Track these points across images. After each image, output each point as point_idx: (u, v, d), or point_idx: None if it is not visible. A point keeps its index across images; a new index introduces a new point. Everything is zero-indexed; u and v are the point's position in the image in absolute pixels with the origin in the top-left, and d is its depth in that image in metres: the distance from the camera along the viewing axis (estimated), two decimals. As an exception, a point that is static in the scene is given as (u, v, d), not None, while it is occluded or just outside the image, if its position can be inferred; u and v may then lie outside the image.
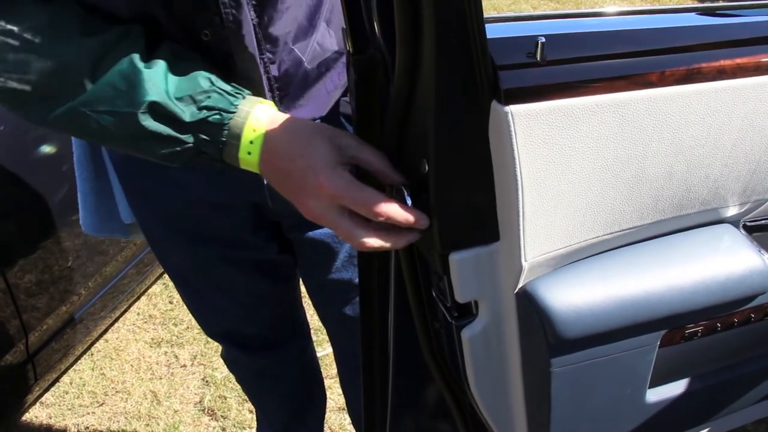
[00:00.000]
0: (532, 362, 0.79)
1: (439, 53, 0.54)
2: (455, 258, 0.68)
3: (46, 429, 1.96)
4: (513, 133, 0.59)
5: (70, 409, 2.01)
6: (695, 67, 0.63)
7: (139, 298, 2.21)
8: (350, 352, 1.32)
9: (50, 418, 1.99)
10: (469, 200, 0.65)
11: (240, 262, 1.15)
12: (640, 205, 0.72)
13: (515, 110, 0.58)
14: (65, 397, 2.04)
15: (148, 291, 2.32)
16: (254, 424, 1.88)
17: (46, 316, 1.62)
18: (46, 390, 1.86)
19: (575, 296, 0.73)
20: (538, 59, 0.58)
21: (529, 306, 0.73)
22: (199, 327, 2.18)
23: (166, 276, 2.29)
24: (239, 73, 0.84)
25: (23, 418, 1.96)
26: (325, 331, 1.35)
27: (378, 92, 0.64)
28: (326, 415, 1.66)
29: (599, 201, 0.69)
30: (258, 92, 0.88)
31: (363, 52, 0.62)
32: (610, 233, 0.73)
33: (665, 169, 0.70)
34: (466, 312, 0.77)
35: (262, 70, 0.86)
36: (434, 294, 0.79)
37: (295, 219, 1.08)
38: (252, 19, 0.82)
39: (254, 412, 1.90)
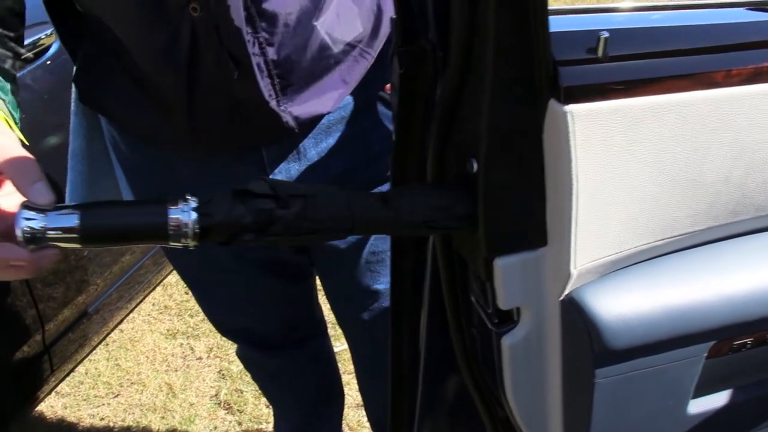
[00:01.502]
0: (574, 372, 0.75)
1: (497, 47, 0.51)
2: (501, 263, 0.65)
3: (61, 419, 1.95)
4: (571, 134, 0.55)
5: (85, 400, 1.99)
6: (764, 66, 0.59)
7: (154, 288, 2.19)
8: (368, 355, 1.29)
9: (65, 408, 1.97)
10: (519, 203, 0.62)
11: (254, 262, 1.12)
12: (694, 211, 0.69)
13: (575, 110, 0.54)
14: (80, 387, 2.03)
15: (164, 281, 2.30)
16: (271, 419, 1.85)
17: (62, 307, 1.60)
18: (62, 380, 1.84)
19: (623, 305, 0.70)
20: (600, 55, 0.54)
21: (574, 314, 0.70)
22: (215, 319, 2.17)
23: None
24: (227, 50, 0.81)
25: (39, 407, 1.95)
26: (337, 321, 1.32)
27: (424, 87, 0.61)
28: (344, 412, 1.64)
29: (653, 206, 0.65)
30: (249, 76, 0.84)
31: (411, 44, 0.59)
32: (662, 239, 0.69)
33: (723, 173, 0.67)
34: (507, 318, 0.74)
35: (254, 50, 0.83)
36: (473, 299, 0.76)
37: None
38: None
39: (270, 407, 1.88)
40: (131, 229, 0.67)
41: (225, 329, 1.32)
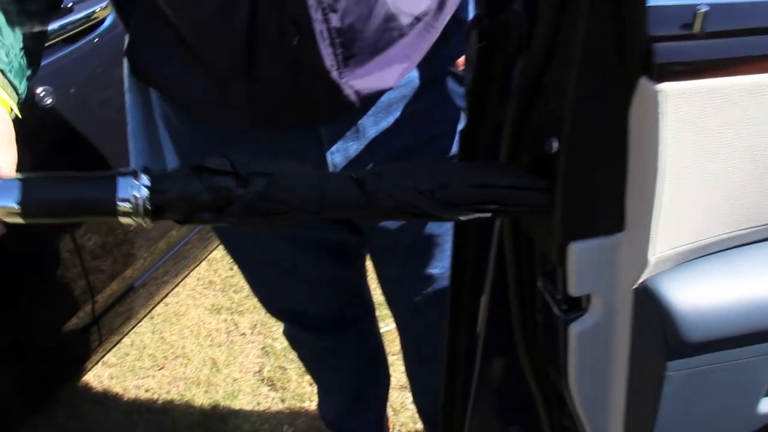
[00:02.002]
0: (643, 363, 0.73)
1: (589, 20, 0.48)
2: (575, 248, 0.62)
3: (107, 388, 1.97)
4: (661, 114, 0.52)
5: (131, 371, 2.01)
6: None
7: (199, 263, 2.20)
8: (417, 339, 1.27)
9: (112, 378, 2.00)
10: (599, 186, 0.59)
11: (306, 242, 1.10)
12: (781, 199, 0.65)
13: (667, 88, 0.51)
14: (126, 358, 2.05)
15: (209, 257, 2.30)
16: (314, 397, 1.85)
17: (110, 280, 1.61)
18: (108, 351, 1.86)
19: (701, 296, 0.66)
20: (697, 31, 0.51)
21: (648, 304, 0.67)
22: (259, 296, 2.17)
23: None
24: (289, 14, 0.79)
25: (86, 377, 1.97)
26: (388, 305, 1.30)
27: (503, 62, 0.58)
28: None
29: (740, 193, 0.62)
30: (311, 43, 0.81)
31: (495, 16, 0.56)
32: (746, 229, 0.66)
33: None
34: (575, 305, 0.71)
35: (317, 15, 0.80)
36: (540, 284, 0.73)
37: None
38: None
39: (313, 385, 1.88)
40: (77, 203, 0.65)
41: (273, 308, 1.31)
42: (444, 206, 0.64)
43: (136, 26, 0.95)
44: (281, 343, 2.02)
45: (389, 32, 0.87)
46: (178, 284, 2.09)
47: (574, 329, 0.71)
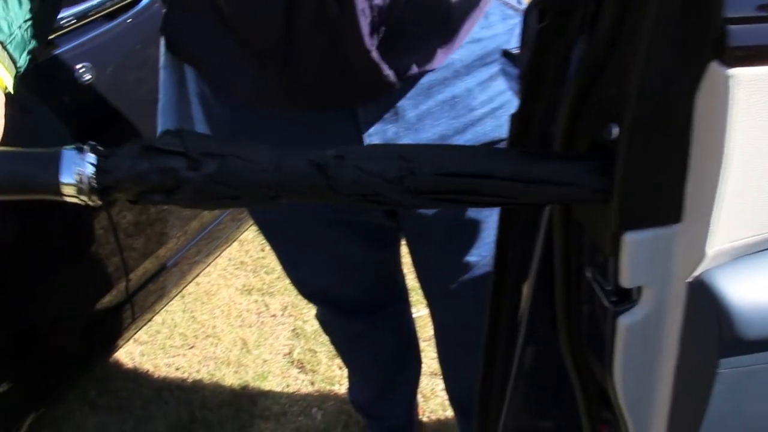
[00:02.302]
0: (693, 359, 0.70)
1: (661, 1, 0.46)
2: (630, 239, 0.60)
3: (138, 365, 1.99)
4: (731, 101, 0.49)
5: (161, 349, 2.02)
6: None
7: (231, 244, 2.20)
8: (451, 327, 1.26)
9: (143, 355, 2.01)
10: (659, 174, 0.56)
11: (341, 225, 1.09)
12: None
13: (740, 74, 0.48)
14: (157, 336, 2.06)
15: (241, 237, 2.31)
16: (343, 381, 1.85)
17: (144, 258, 1.62)
18: (140, 328, 1.87)
19: (760, 292, 0.64)
20: (774, 13, 0.48)
21: (703, 298, 0.64)
22: (291, 278, 2.17)
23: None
24: None
25: (117, 353, 1.99)
26: (420, 291, 1.28)
27: (564, 44, 0.56)
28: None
29: (807, 185, 0.59)
30: (352, 21, 0.78)
31: (559, -6, 0.54)
32: (810, 222, 0.63)
33: None
34: (625, 297, 0.69)
35: None
36: (589, 274, 0.71)
37: None
38: None
39: (343, 369, 1.87)
40: (17, 181, 0.61)
41: (307, 291, 1.30)
42: (414, 195, 0.60)
43: (173, 0, 0.93)
44: (312, 325, 2.02)
45: (433, 13, 0.84)
46: (209, 264, 2.10)
47: (623, 322, 0.69)
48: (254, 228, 2.34)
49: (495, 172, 0.60)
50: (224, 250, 2.16)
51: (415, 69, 0.88)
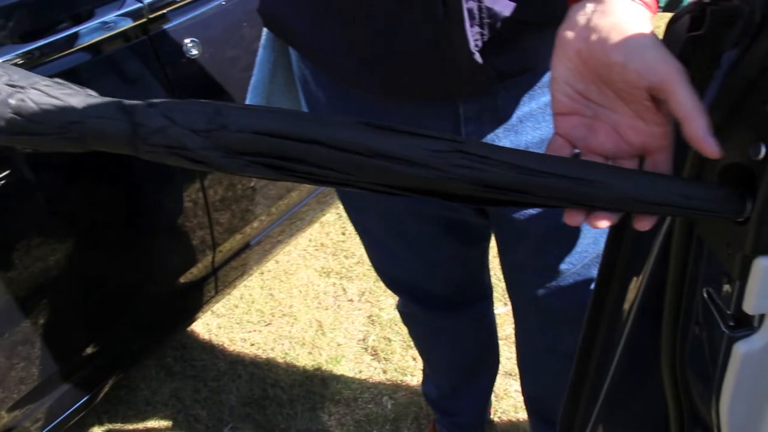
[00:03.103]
0: (813, 394, 0.66)
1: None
2: (763, 263, 0.57)
3: (214, 337, 2.02)
4: None
5: (238, 323, 2.06)
6: None
7: (312, 225, 2.22)
8: (534, 331, 1.23)
9: (220, 328, 2.05)
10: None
11: (434, 219, 1.07)
12: None
13: None
14: (235, 311, 2.10)
15: (322, 219, 2.32)
16: (416, 372, 1.84)
17: (229, 234, 1.64)
18: (218, 301, 1.90)
19: None
20: None
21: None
22: (369, 264, 2.17)
23: (340, 206, 2.29)
24: None
25: (195, 324, 2.03)
26: (499, 288, 1.26)
27: (717, 54, 0.53)
28: (494, 379, 1.60)
29: None
30: (457, 21, 0.76)
31: (722, 2, 0.51)
32: None
33: None
34: (745, 323, 0.66)
35: None
36: (706, 294, 0.68)
37: None
38: None
39: (417, 360, 1.87)
40: None
41: (392, 282, 1.29)
42: (224, 153, 0.55)
43: None
44: (388, 314, 2.02)
45: (539, 14, 0.82)
46: (290, 244, 2.12)
47: (740, 349, 0.65)
48: (336, 211, 2.36)
49: (328, 137, 0.55)
50: (305, 231, 2.18)
51: (518, 69, 0.85)
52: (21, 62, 1.11)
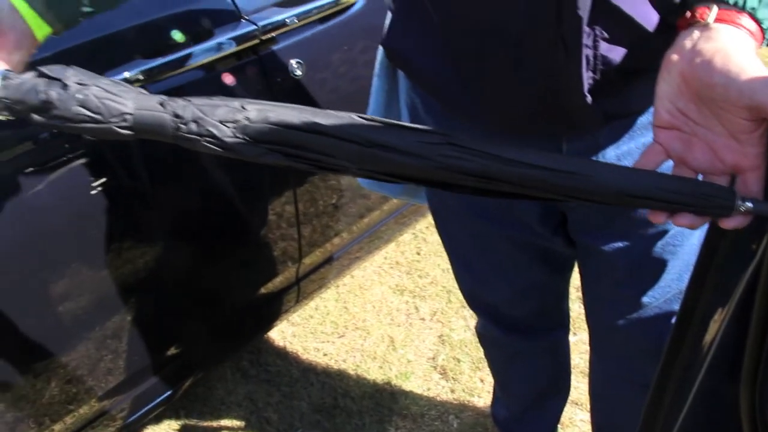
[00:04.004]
0: None
1: None
2: None
3: (288, 345, 2.10)
4: None
5: (312, 333, 2.13)
6: None
7: (389, 243, 2.28)
8: (610, 360, 1.26)
9: (294, 336, 2.12)
10: None
11: (523, 245, 1.12)
12: None
13: None
14: (309, 321, 2.17)
15: (399, 238, 2.38)
16: (483, 394, 1.88)
17: (313, 248, 1.70)
18: (296, 310, 1.97)
19: None
20: None
21: None
22: (443, 284, 2.22)
23: (417, 226, 2.35)
24: (562, 35, 0.79)
25: (271, 331, 2.11)
26: (586, 319, 1.29)
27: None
28: (562, 407, 1.62)
29: None
30: (574, 65, 0.81)
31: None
32: None
33: None
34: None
35: (588, 41, 0.80)
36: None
37: (582, 220, 1.03)
38: None
39: (485, 382, 1.90)
40: None
41: (476, 303, 1.34)
42: (246, 141, 0.67)
43: (399, 9, 0.97)
44: (458, 334, 2.06)
45: (648, 62, 0.86)
46: (366, 260, 2.18)
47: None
48: (412, 232, 2.42)
49: (332, 129, 0.66)
50: (382, 248, 2.24)
51: (625, 112, 0.90)
52: (142, 78, 1.20)
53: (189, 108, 0.69)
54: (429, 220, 2.34)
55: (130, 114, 0.70)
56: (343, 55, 1.51)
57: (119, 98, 0.70)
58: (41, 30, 0.85)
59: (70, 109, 0.70)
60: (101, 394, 1.39)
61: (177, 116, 0.69)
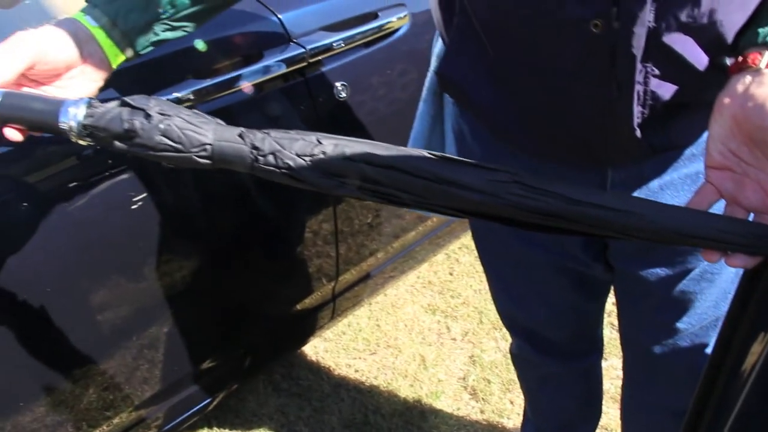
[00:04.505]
0: None
1: None
2: None
3: (321, 360, 2.12)
4: None
5: (344, 349, 2.15)
6: None
7: (422, 263, 2.30)
8: (643, 386, 1.27)
9: (326, 351, 2.15)
10: None
11: (563, 269, 1.14)
12: None
13: None
14: (342, 337, 2.20)
15: (432, 259, 2.40)
16: (513, 415, 1.89)
17: (351, 266, 1.73)
18: (329, 326, 2.00)
19: None
20: None
21: None
22: (474, 305, 2.24)
23: (450, 247, 2.37)
24: (616, 73, 0.81)
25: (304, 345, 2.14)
26: (621, 344, 1.30)
27: None
28: (592, 431, 1.63)
29: None
30: (625, 101, 0.84)
31: None
32: None
33: None
34: None
35: (639, 78, 0.82)
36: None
37: (623, 248, 1.05)
38: (648, 22, 0.78)
39: (515, 404, 1.91)
40: (33, 115, 0.78)
41: (512, 324, 1.36)
42: (321, 174, 0.70)
43: (453, 39, 0.99)
44: (489, 355, 2.08)
45: (695, 98, 0.88)
46: (399, 278, 2.21)
47: None
48: (445, 252, 2.44)
49: (405, 165, 0.69)
50: (415, 268, 2.27)
51: (672, 145, 0.92)
52: (192, 98, 1.24)
53: (267, 140, 0.72)
54: (462, 241, 2.37)
55: (210, 144, 0.74)
56: (387, 78, 1.55)
57: (200, 129, 0.74)
58: (116, 58, 0.90)
59: (152, 138, 0.73)
60: (138, 403, 1.42)
61: (255, 148, 0.72)
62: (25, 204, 1.10)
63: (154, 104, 0.74)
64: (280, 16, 1.38)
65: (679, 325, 1.11)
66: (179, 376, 1.49)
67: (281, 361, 2.11)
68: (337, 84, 1.44)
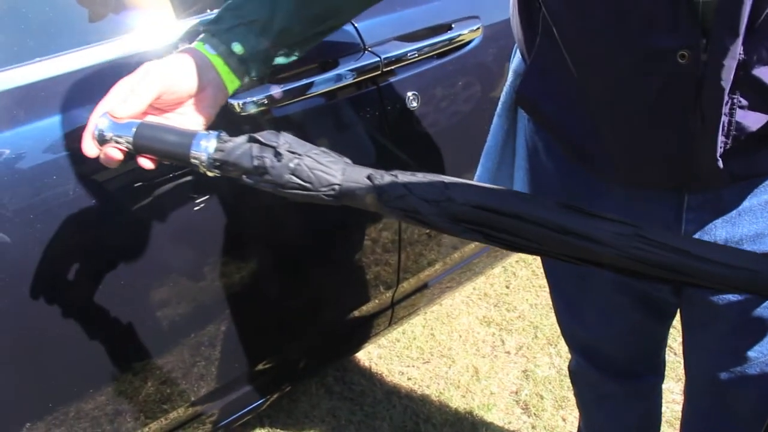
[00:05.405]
0: None
1: None
2: None
3: (374, 366, 2.14)
4: None
5: (398, 357, 2.16)
6: None
7: (479, 275, 2.30)
8: (705, 412, 1.25)
9: (380, 358, 2.16)
10: None
11: (632, 291, 1.13)
12: None
13: None
14: (396, 344, 2.21)
15: (489, 271, 2.40)
16: (565, 433, 1.88)
17: (410, 275, 1.74)
18: (386, 334, 2.01)
19: None
20: None
21: None
22: (530, 319, 2.23)
23: (507, 260, 2.36)
24: (700, 105, 0.81)
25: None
26: (685, 368, 1.28)
27: None
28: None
29: None
30: (710, 133, 0.83)
31: None
32: None
33: None
34: None
35: (725, 109, 0.81)
36: None
37: None
38: (739, 55, 0.77)
39: (567, 421, 1.90)
40: (166, 146, 0.81)
41: (573, 341, 1.35)
42: (449, 219, 0.70)
43: (536, 58, 0.99)
44: (543, 371, 2.06)
45: None
46: (455, 289, 2.21)
47: None
48: (502, 265, 2.44)
49: (531, 215, 0.69)
50: (472, 279, 2.27)
51: (752, 173, 0.91)
52: (266, 102, 1.27)
53: (394, 183, 0.73)
54: (520, 255, 2.36)
55: (339, 185, 0.75)
56: (458, 90, 1.56)
57: (329, 169, 0.75)
58: (233, 84, 0.93)
59: (282, 176, 0.75)
60: (194, 399, 1.45)
61: (383, 191, 0.73)
62: (95, 204, 1.13)
63: (283, 141, 0.76)
64: (356, 24, 1.40)
65: (750, 353, 1.09)
66: (236, 375, 1.51)
67: (335, 364, 2.13)
68: (409, 94, 1.45)
